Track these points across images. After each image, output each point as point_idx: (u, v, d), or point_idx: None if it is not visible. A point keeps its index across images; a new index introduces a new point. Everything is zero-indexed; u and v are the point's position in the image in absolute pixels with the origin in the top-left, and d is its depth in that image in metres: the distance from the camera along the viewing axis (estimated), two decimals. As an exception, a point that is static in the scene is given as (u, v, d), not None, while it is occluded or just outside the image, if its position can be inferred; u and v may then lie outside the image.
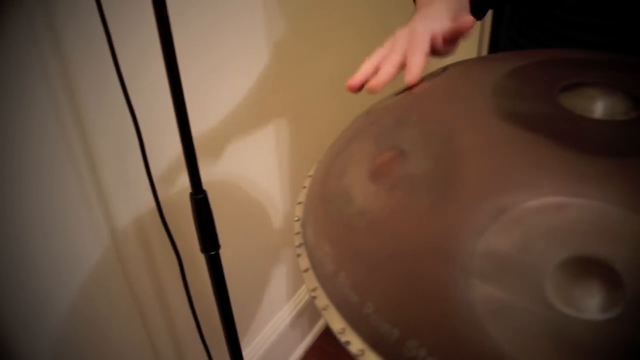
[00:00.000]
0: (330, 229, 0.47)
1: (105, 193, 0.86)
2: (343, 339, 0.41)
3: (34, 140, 0.73)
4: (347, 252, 0.44)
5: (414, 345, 0.37)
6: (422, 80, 0.56)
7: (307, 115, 1.33)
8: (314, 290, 0.46)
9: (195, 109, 0.95)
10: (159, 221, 0.87)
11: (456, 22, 0.60)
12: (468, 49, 1.87)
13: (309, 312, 1.57)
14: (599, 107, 0.45)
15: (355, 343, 0.40)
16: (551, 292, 0.34)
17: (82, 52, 0.75)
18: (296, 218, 0.54)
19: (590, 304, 0.34)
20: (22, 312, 0.78)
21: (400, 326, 0.38)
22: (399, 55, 0.58)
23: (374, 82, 0.57)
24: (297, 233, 0.52)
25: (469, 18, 0.59)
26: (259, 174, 1.23)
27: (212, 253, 0.82)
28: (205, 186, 0.78)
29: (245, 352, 1.35)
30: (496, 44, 0.87)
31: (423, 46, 0.58)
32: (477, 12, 0.70)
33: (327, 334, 1.64)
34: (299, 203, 0.56)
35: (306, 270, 0.48)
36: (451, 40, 0.60)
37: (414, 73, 0.56)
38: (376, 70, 0.58)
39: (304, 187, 0.57)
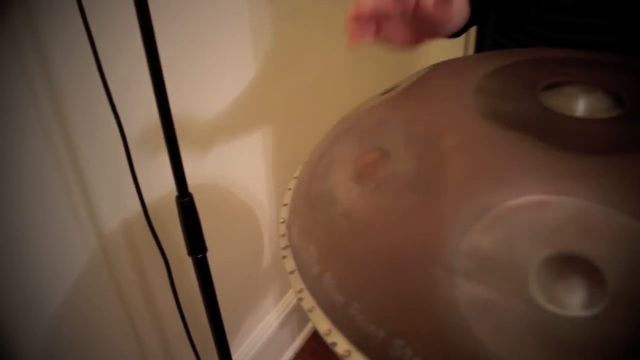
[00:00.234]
0: (315, 231, 0.47)
1: (91, 197, 0.85)
2: (329, 340, 0.41)
3: (17, 146, 0.72)
4: (332, 253, 0.44)
5: (400, 345, 0.37)
6: (406, 80, 0.57)
7: (292, 116, 1.33)
8: (300, 292, 0.46)
9: (180, 111, 0.95)
10: (147, 225, 0.86)
11: None
12: (454, 48, 1.88)
13: (299, 313, 1.57)
14: (580, 105, 0.45)
15: (341, 344, 0.40)
16: (535, 290, 0.35)
17: (65, 56, 0.75)
18: (282, 220, 0.54)
19: (574, 301, 0.34)
20: (8, 318, 0.78)
21: (385, 326, 0.38)
22: None
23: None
24: (283, 235, 0.52)
25: None
26: (245, 176, 1.22)
27: (199, 256, 0.81)
28: (191, 189, 0.77)
29: (235, 355, 1.34)
30: (482, 44, 0.88)
31: None
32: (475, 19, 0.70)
33: (317, 335, 1.64)
34: (285, 205, 0.56)
35: (292, 272, 0.48)
36: None
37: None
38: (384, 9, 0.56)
39: (290, 189, 0.57)
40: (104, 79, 0.73)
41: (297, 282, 0.46)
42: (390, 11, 0.55)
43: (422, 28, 0.60)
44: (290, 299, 1.54)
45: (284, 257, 0.50)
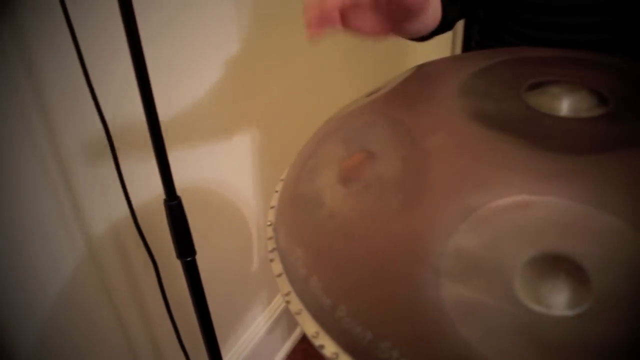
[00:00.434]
0: (302, 233, 0.46)
1: (78, 202, 0.85)
2: (317, 342, 0.41)
3: (2, 151, 0.72)
4: (319, 255, 0.43)
5: (387, 347, 0.37)
6: (392, 81, 0.57)
7: (279, 118, 1.33)
8: (287, 294, 0.45)
9: (166, 113, 0.95)
10: (134, 229, 0.86)
11: None
12: (441, 49, 1.89)
13: (289, 315, 1.56)
14: (564, 104, 0.45)
15: (329, 346, 0.40)
16: (520, 290, 0.35)
17: (50, 59, 0.75)
18: (269, 222, 0.54)
19: (559, 301, 0.34)
20: (-4, 325, 0.77)
21: (372, 328, 0.38)
22: None
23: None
24: (270, 238, 0.52)
25: None
26: (233, 178, 1.22)
27: (189, 259, 0.81)
28: (179, 192, 0.77)
29: (227, 358, 1.34)
30: (469, 45, 0.88)
31: None
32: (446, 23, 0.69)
33: (307, 338, 1.63)
34: (272, 207, 0.55)
35: (279, 275, 0.47)
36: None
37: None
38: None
39: (276, 191, 0.57)
40: (89, 81, 0.73)
41: (284, 285, 0.46)
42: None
43: (396, 16, 0.57)
44: (280, 300, 1.54)
45: (271, 260, 0.50)
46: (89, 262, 0.89)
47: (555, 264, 0.35)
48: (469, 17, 0.80)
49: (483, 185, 0.39)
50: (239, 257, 1.32)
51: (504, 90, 0.47)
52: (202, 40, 1.01)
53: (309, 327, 0.42)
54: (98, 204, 0.88)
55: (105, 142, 0.78)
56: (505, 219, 0.37)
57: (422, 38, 0.70)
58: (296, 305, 0.44)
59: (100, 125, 0.76)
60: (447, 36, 1.87)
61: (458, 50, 1.92)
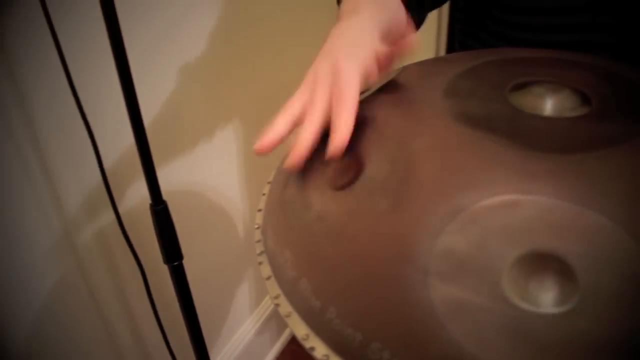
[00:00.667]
0: (290, 236, 0.47)
1: (63, 208, 0.84)
2: (307, 345, 0.41)
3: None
4: (307, 258, 0.44)
5: (377, 348, 0.37)
6: (377, 83, 0.57)
7: (265, 120, 1.32)
8: (276, 297, 0.45)
9: (151, 118, 0.94)
10: (120, 234, 0.85)
11: (396, 45, 0.51)
12: (427, 49, 1.90)
13: (278, 316, 1.57)
14: (548, 104, 0.46)
15: (319, 348, 0.40)
16: (508, 288, 0.35)
17: (33, 62, 0.74)
18: (257, 225, 0.54)
19: (546, 299, 0.35)
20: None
21: (362, 330, 0.38)
22: (321, 113, 0.46)
23: (293, 157, 0.46)
24: (258, 241, 0.52)
25: (412, 39, 0.51)
26: (219, 182, 1.22)
27: (176, 264, 0.81)
28: (164, 196, 0.77)
29: (215, 361, 1.34)
30: (452, 46, 0.89)
31: (351, 101, 0.45)
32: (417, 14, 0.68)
33: (296, 339, 1.63)
34: (259, 210, 0.55)
35: (268, 278, 0.48)
36: (387, 64, 0.51)
37: (339, 139, 0.43)
38: (292, 127, 0.48)
39: (264, 194, 0.57)
40: (73, 86, 0.72)
41: (273, 288, 0.46)
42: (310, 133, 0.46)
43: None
44: (269, 302, 1.54)
45: (260, 263, 0.50)
46: (74, 269, 0.89)
47: (542, 262, 0.35)
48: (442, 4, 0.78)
49: (470, 185, 0.39)
50: (227, 260, 1.32)
51: (488, 90, 0.48)
52: (187, 42, 1.01)
53: (299, 329, 0.42)
54: (83, 210, 0.87)
55: (90, 147, 0.77)
56: (492, 218, 0.37)
57: None
58: (286, 307, 0.44)
59: (85, 131, 0.76)
60: (431, 37, 1.88)
61: (442, 50, 1.94)
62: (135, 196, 0.96)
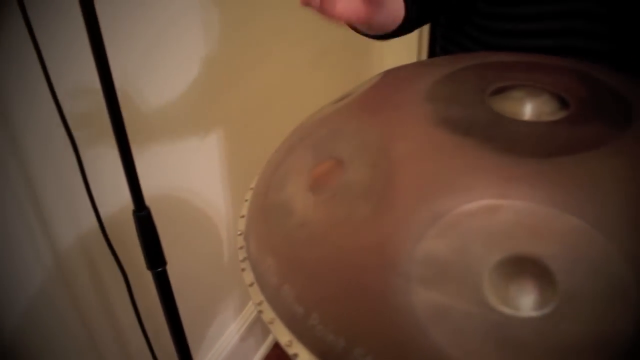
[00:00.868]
0: (273, 242, 0.47)
1: (45, 214, 0.83)
2: (291, 351, 0.41)
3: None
4: (290, 264, 0.44)
5: (360, 354, 0.37)
6: (359, 88, 0.57)
7: (247, 126, 1.33)
8: (259, 304, 0.45)
9: (133, 124, 0.94)
10: (102, 240, 0.85)
11: None
12: (408, 53, 1.91)
13: (261, 323, 1.56)
14: (527, 109, 0.46)
15: (302, 355, 0.41)
16: (489, 293, 0.35)
17: (12, 68, 0.73)
18: (239, 232, 0.54)
19: (527, 302, 0.35)
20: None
21: (345, 335, 0.38)
22: None
23: None
24: (241, 247, 0.52)
25: None
26: (202, 187, 1.22)
27: (159, 270, 0.80)
28: (147, 202, 0.76)
29: (200, 367, 1.33)
30: (433, 49, 0.90)
31: None
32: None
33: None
34: (242, 216, 0.55)
35: (251, 285, 0.47)
36: None
37: None
38: None
39: (246, 200, 0.57)
40: (54, 92, 0.72)
41: (256, 295, 0.46)
42: None
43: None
44: (251, 309, 1.53)
45: (243, 269, 0.50)
46: (56, 276, 0.88)
47: (522, 266, 0.36)
48: (430, 21, 0.82)
49: (450, 190, 0.39)
50: (210, 265, 1.32)
51: (468, 95, 0.48)
52: (170, 46, 1.00)
53: (282, 335, 0.42)
54: (65, 216, 0.87)
55: (72, 152, 0.76)
56: (473, 223, 0.37)
57: (384, 36, 0.72)
58: (269, 314, 0.44)
59: (65, 135, 0.75)
60: (413, 40, 1.89)
61: (424, 54, 1.95)
62: (118, 201, 0.95)
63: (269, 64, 1.33)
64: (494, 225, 0.37)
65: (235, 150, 1.29)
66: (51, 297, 0.87)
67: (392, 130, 0.46)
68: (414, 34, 1.90)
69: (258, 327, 1.55)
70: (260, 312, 0.45)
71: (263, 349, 1.60)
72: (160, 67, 0.99)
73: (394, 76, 0.56)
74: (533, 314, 0.35)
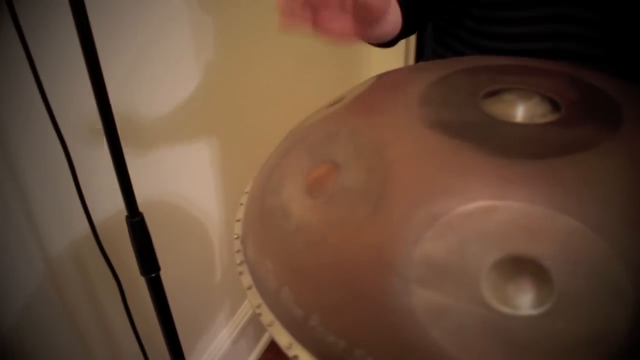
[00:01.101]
0: (271, 245, 0.47)
1: (36, 221, 0.83)
2: (291, 353, 0.42)
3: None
4: (289, 267, 0.44)
5: (361, 355, 0.37)
6: (352, 92, 0.58)
7: (239, 130, 1.33)
8: (258, 307, 0.46)
9: (125, 129, 0.94)
10: (95, 246, 0.85)
11: None
12: (396, 57, 1.92)
13: (254, 326, 1.57)
14: (519, 111, 0.47)
15: (303, 357, 0.41)
16: (487, 292, 0.36)
17: (0, 73, 0.73)
18: (235, 236, 0.54)
19: (524, 301, 0.36)
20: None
21: (345, 337, 0.38)
22: None
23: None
24: (238, 251, 0.52)
25: None
26: (194, 192, 1.22)
27: (153, 275, 0.80)
28: (140, 207, 0.76)
29: (192, 372, 1.33)
30: (421, 53, 0.91)
31: None
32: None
33: (274, 347, 1.64)
34: (238, 220, 0.56)
35: (249, 288, 0.48)
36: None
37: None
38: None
39: (242, 204, 0.57)
40: (45, 97, 0.72)
41: (254, 298, 0.47)
42: None
43: (361, 18, 0.58)
44: (244, 312, 1.53)
45: (241, 273, 0.50)
46: (48, 283, 0.87)
47: (519, 266, 0.36)
48: (426, 24, 0.83)
49: (446, 192, 0.40)
50: (202, 270, 1.32)
51: (461, 98, 0.49)
52: (160, 52, 1.00)
53: (282, 338, 0.43)
54: (57, 223, 0.86)
55: (63, 158, 0.76)
56: (469, 224, 0.38)
57: (387, 44, 0.73)
58: (268, 317, 0.45)
59: (57, 140, 0.75)
60: (400, 44, 1.90)
61: (411, 58, 1.96)
62: (110, 207, 0.95)
63: (259, 68, 1.34)
64: (490, 226, 0.38)
65: (227, 155, 1.29)
66: (42, 304, 0.87)
67: (387, 133, 0.47)
68: (401, 41, 1.91)
69: (250, 330, 1.55)
70: (259, 314, 0.45)
71: (255, 353, 1.60)
72: (151, 73, 0.99)
73: (387, 80, 0.57)
74: (530, 312, 0.35)
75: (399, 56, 1.93)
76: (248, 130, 1.36)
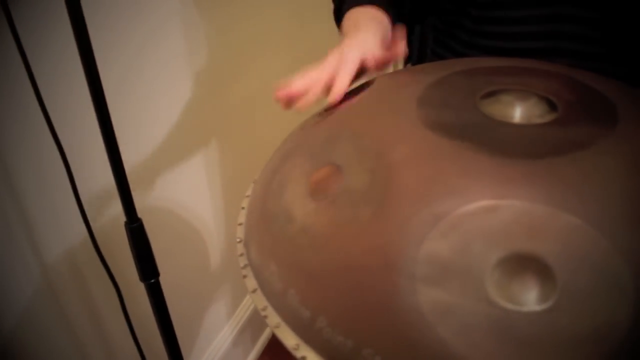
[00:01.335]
0: (275, 248, 0.47)
1: (32, 226, 0.83)
2: (298, 354, 0.42)
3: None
4: (294, 269, 0.45)
5: (369, 354, 0.38)
6: (350, 93, 0.58)
7: (233, 134, 1.33)
8: (264, 309, 0.46)
9: (123, 135, 0.94)
10: (92, 253, 0.84)
11: (389, 50, 0.63)
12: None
13: (251, 329, 1.57)
14: (517, 112, 0.48)
15: (310, 357, 0.41)
16: (492, 289, 0.37)
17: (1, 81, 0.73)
18: (238, 239, 0.55)
19: (528, 298, 0.37)
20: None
21: (353, 336, 0.39)
22: (327, 76, 0.59)
23: (302, 104, 0.59)
24: (241, 254, 0.53)
25: (401, 48, 0.63)
26: (192, 196, 1.22)
27: (152, 281, 0.81)
28: (138, 213, 0.76)
29: (190, 376, 1.33)
30: (424, 52, 0.92)
31: (350, 67, 0.59)
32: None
33: (270, 349, 1.64)
34: (240, 224, 0.56)
35: (254, 291, 0.48)
36: (383, 65, 0.62)
37: (335, 93, 0.57)
38: (306, 90, 0.59)
39: (243, 208, 0.58)
40: (43, 104, 0.72)
41: (260, 300, 0.47)
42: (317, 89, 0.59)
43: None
44: (241, 315, 1.54)
45: (245, 276, 0.50)
46: (45, 290, 0.87)
47: (522, 263, 0.37)
48: (418, 23, 0.84)
49: (449, 192, 0.41)
50: (199, 273, 1.32)
51: (460, 100, 0.50)
52: (155, 63, 1.00)
53: (289, 339, 0.43)
54: (53, 229, 0.86)
55: (61, 164, 0.76)
56: (473, 223, 0.39)
57: None
58: (274, 319, 0.45)
59: (54, 146, 0.75)
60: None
61: (400, 64, 1.97)
62: (107, 213, 0.95)
63: (254, 72, 1.34)
64: (492, 225, 0.39)
65: (224, 160, 1.29)
66: (39, 311, 0.87)
67: (388, 135, 0.48)
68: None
69: (247, 335, 1.55)
70: (265, 317, 0.46)
71: (252, 356, 1.60)
72: (148, 78, 0.99)
73: (385, 83, 0.58)
74: (534, 309, 0.36)
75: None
76: (244, 135, 1.36)
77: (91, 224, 0.84)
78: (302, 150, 0.53)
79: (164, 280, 0.87)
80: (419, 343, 0.37)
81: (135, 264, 0.79)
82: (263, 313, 0.46)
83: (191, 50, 1.10)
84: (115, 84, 0.92)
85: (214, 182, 1.28)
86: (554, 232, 0.38)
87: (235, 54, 1.26)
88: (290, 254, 0.46)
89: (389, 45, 0.65)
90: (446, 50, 0.82)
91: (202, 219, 1.27)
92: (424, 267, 0.38)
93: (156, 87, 1.02)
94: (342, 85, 0.58)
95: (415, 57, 0.99)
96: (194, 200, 1.23)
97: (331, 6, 0.79)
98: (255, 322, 1.59)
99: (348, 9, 0.71)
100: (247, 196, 0.59)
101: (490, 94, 0.50)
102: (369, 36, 0.64)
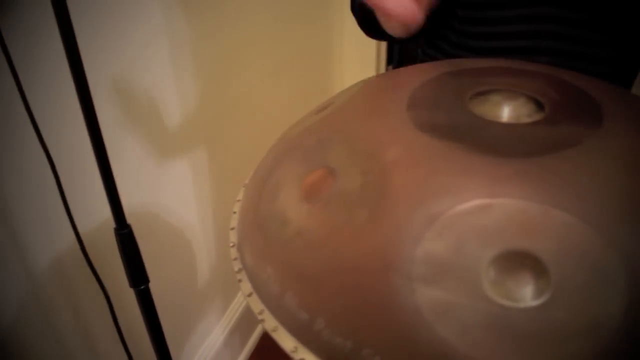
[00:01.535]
0: (270, 252, 0.48)
1: (19, 233, 0.82)
2: (297, 357, 0.42)
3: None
4: (291, 272, 0.45)
5: (369, 354, 0.39)
6: (340, 97, 0.59)
7: (225, 139, 1.33)
8: (260, 313, 0.46)
9: (111, 140, 0.93)
10: (81, 259, 0.84)
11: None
12: (364, 66, 1.94)
13: (240, 331, 1.57)
14: (506, 112, 0.49)
15: (309, 359, 0.42)
16: (488, 287, 0.37)
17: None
18: (231, 244, 0.55)
19: (524, 294, 0.37)
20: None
21: (352, 337, 0.39)
22: None
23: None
24: (235, 259, 0.53)
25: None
26: (180, 202, 1.21)
27: (142, 287, 0.80)
28: (127, 219, 0.76)
29: (179, 382, 1.32)
30: (391, 52, 0.93)
31: None
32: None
33: (260, 351, 1.64)
34: (232, 229, 0.56)
35: (250, 295, 0.48)
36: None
37: None
38: None
39: (235, 212, 0.58)
40: (29, 109, 0.71)
41: (256, 304, 0.47)
42: None
43: None
44: (230, 317, 1.54)
45: (240, 280, 0.50)
46: (31, 299, 0.86)
47: (517, 260, 0.38)
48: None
49: (443, 192, 0.41)
50: (189, 278, 1.31)
51: (450, 100, 0.51)
52: (143, 64, 1.00)
53: (287, 342, 0.43)
54: (41, 236, 0.86)
55: (49, 169, 0.76)
56: (467, 222, 0.39)
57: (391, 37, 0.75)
58: (271, 322, 0.45)
59: (41, 151, 0.74)
60: (371, 50, 1.92)
61: (382, 66, 1.99)
62: (96, 219, 0.94)
63: (243, 75, 1.34)
64: (487, 223, 0.39)
65: (213, 165, 1.29)
66: (26, 319, 0.86)
67: (379, 136, 0.48)
68: (372, 46, 1.94)
69: (236, 337, 1.55)
70: (261, 320, 0.46)
71: (241, 358, 1.60)
72: (134, 84, 0.99)
73: (374, 85, 0.58)
74: (530, 304, 0.37)
75: (370, 60, 1.95)
76: (233, 140, 1.36)
77: (79, 230, 0.83)
78: (294, 154, 0.53)
79: (154, 285, 0.86)
80: (418, 341, 0.37)
81: (125, 270, 0.79)
82: (260, 317, 0.46)
83: (177, 56, 1.10)
84: (103, 90, 0.91)
85: (203, 188, 1.28)
86: (547, 228, 0.38)
87: (222, 59, 1.26)
88: (286, 256, 0.46)
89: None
90: (437, 51, 0.83)
91: (191, 224, 1.27)
92: (421, 267, 0.39)
93: (143, 93, 1.02)
94: None
95: (395, 60, 1.00)
96: (182, 206, 1.22)
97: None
98: (245, 324, 1.59)
99: None
100: (239, 200, 0.59)
101: (479, 94, 0.51)
102: None
